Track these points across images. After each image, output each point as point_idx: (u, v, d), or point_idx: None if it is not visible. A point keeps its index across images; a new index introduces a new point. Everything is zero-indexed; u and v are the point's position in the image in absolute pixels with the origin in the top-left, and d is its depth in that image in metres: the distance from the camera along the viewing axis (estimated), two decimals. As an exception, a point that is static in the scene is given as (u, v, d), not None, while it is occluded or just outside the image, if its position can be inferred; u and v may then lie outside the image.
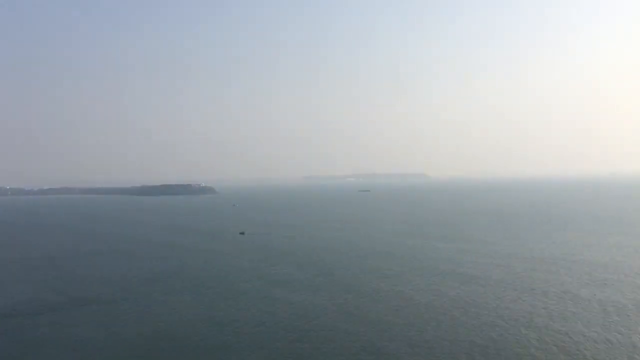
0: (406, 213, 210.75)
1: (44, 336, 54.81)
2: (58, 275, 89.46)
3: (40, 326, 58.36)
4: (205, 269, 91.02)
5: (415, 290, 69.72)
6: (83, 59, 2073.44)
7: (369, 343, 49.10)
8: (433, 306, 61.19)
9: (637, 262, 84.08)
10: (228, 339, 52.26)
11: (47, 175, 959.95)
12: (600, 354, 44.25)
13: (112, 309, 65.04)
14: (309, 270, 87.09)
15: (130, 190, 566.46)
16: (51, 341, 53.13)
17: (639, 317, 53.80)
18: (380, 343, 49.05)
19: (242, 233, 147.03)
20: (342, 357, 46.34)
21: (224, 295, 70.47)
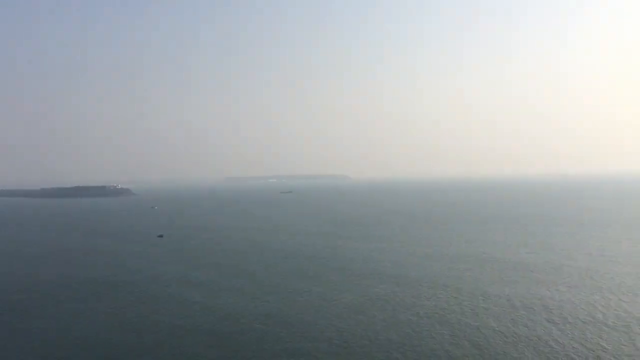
0: (327, 214, 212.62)
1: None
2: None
3: None
4: (121, 274, 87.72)
5: (335, 290, 70.56)
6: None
7: (289, 344, 49.18)
8: (352, 305, 62.19)
9: (542, 259, 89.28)
10: (146, 344, 50.63)
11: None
12: (509, 347, 46.69)
13: (16, 319, 61.25)
14: (229, 272, 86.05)
15: (39, 193, 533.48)
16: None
17: (543, 311, 57.20)
18: (300, 344, 49.24)
19: (161, 236, 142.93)
20: (262, 359, 46.16)
21: (141, 300, 68.22)
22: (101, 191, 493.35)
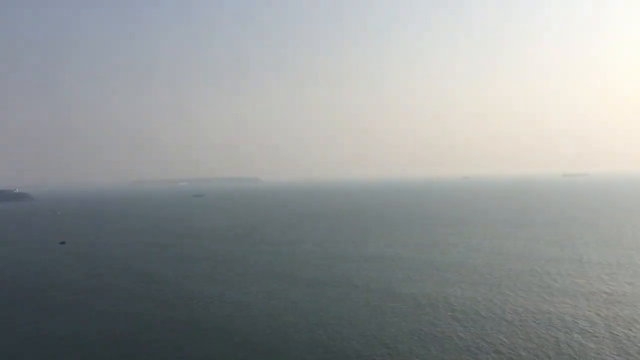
0: (239, 218, 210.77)
1: None
2: None
3: None
4: (20, 283, 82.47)
5: (246, 294, 70.11)
6: None
7: (201, 353, 48.36)
8: (264, 310, 62.06)
9: (449, 259, 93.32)
10: (48, 357, 47.98)
11: None
12: (415, 344, 48.46)
13: None
14: (138, 279, 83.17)
15: None
16: None
17: (447, 309, 59.87)
18: (212, 352, 48.54)
19: (63, 242, 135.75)
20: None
21: (45, 310, 64.53)
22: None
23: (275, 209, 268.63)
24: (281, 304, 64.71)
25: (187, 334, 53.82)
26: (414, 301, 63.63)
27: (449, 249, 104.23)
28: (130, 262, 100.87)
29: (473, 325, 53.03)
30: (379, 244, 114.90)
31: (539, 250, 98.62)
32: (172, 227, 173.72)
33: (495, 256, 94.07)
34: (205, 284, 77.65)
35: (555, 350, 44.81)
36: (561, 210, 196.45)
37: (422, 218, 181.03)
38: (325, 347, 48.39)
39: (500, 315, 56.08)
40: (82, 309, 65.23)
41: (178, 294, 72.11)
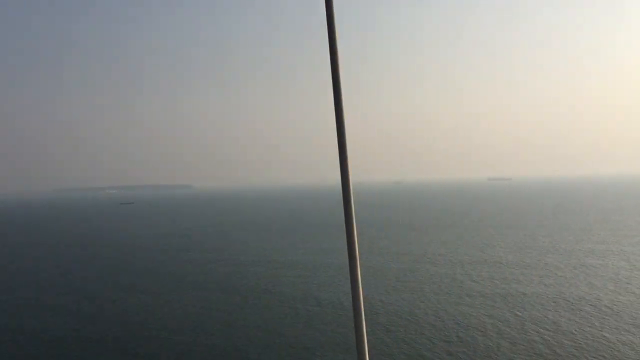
0: (169, 226, 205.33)
1: None
2: None
3: None
4: None
5: (171, 302, 67.22)
6: None
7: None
8: (189, 315, 59.52)
9: (373, 264, 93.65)
10: None
11: None
12: (337, 351, 47.47)
13: None
14: (67, 295, 78.07)
15: None
16: None
17: (370, 314, 59.43)
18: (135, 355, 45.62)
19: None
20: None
21: None
22: None
23: (209, 216, 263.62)
24: (204, 310, 62.27)
25: (116, 349, 50.46)
26: (337, 307, 62.91)
27: (375, 254, 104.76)
28: (50, 275, 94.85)
29: (396, 329, 52.71)
30: (301, 250, 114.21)
31: (462, 254, 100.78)
32: (96, 237, 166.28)
33: (419, 260, 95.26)
34: (135, 296, 73.88)
35: (472, 351, 44.98)
36: (483, 213, 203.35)
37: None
38: (240, 353, 46.53)
39: (423, 318, 56.16)
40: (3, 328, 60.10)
41: (105, 307, 68.08)
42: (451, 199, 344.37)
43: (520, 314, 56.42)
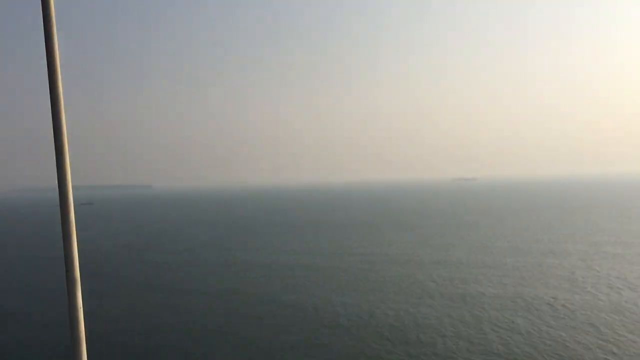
0: (128, 226, 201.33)
1: None
2: None
3: None
4: None
5: (125, 303, 65.49)
6: None
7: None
8: (143, 315, 58.01)
9: (338, 265, 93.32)
10: None
11: None
12: (297, 353, 46.85)
13: None
14: (23, 297, 75.26)
15: None
16: None
17: (331, 316, 59.04)
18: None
19: None
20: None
21: None
22: None
23: (168, 216, 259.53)
24: (161, 311, 60.80)
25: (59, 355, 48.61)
26: (299, 309, 62.27)
27: (338, 254, 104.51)
28: (5, 278, 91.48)
29: (356, 331, 52.35)
30: (265, 251, 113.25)
31: (424, 254, 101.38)
32: (51, 239, 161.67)
33: (381, 260, 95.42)
34: (97, 300, 71.53)
35: (432, 352, 44.97)
36: (445, 213, 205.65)
37: (312, 223, 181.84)
38: (198, 355, 45.52)
39: (383, 320, 55.97)
40: None
41: (58, 310, 65.78)
42: (415, 200, 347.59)
43: (479, 314, 56.82)
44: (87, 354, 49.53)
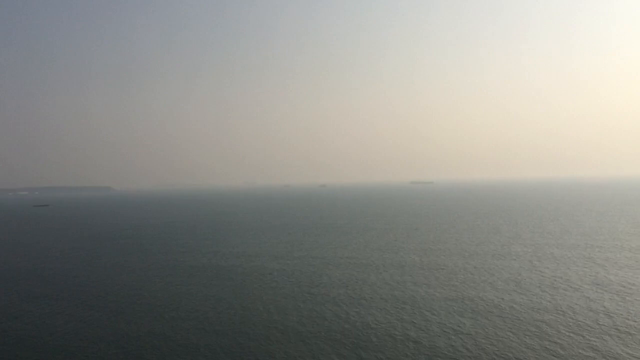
0: (81, 229, 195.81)
1: None
2: None
3: None
4: None
5: (69, 308, 63.38)
6: None
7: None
8: (85, 320, 56.20)
9: (282, 267, 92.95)
10: None
11: None
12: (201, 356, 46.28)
13: None
14: None
15: None
16: None
17: (263, 321, 58.63)
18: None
19: None
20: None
21: None
22: None
23: (124, 219, 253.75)
24: (94, 314, 59.09)
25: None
26: (248, 310, 61.65)
27: (290, 258, 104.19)
28: None
29: (306, 337, 52.12)
30: (212, 253, 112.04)
31: (374, 257, 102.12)
32: (5, 242, 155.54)
33: (331, 263, 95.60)
34: (34, 303, 69.02)
35: (381, 355, 45.13)
36: (398, 216, 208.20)
37: (263, 226, 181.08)
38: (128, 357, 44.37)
39: (334, 325, 55.91)
40: None
41: (8, 313, 63.04)
42: (371, 202, 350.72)
43: (429, 316, 57.42)
44: (10, 355, 47.60)
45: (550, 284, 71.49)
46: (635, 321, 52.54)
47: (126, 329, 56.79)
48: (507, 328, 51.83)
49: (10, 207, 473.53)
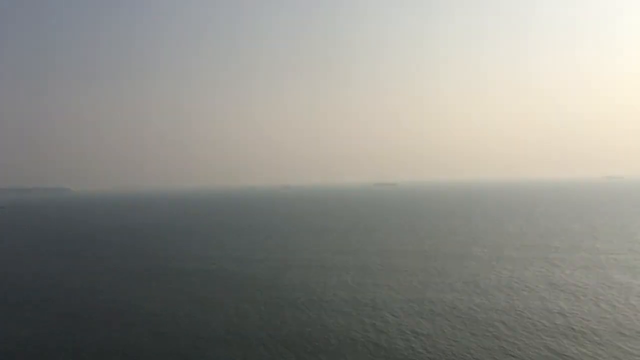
0: (35, 231, 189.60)
1: None
2: None
3: None
4: None
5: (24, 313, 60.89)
6: None
7: None
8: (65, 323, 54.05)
9: (244, 270, 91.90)
10: None
11: None
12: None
13: None
14: None
15: None
16: None
17: (215, 326, 57.68)
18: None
19: None
20: None
21: None
22: None
23: (84, 221, 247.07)
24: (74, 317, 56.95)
25: None
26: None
27: (238, 262, 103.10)
28: None
29: (252, 338, 51.36)
30: (170, 257, 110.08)
31: (334, 259, 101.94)
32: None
33: (290, 266, 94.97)
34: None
35: (324, 358, 44.80)
36: (355, 218, 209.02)
37: (233, 228, 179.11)
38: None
39: (293, 327, 55.25)
40: None
41: None
42: (334, 204, 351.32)
43: (389, 318, 57.33)
44: None
45: (507, 285, 72.55)
46: (589, 320, 53.69)
47: (81, 335, 54.85)
48: (466, 329, 52.20)
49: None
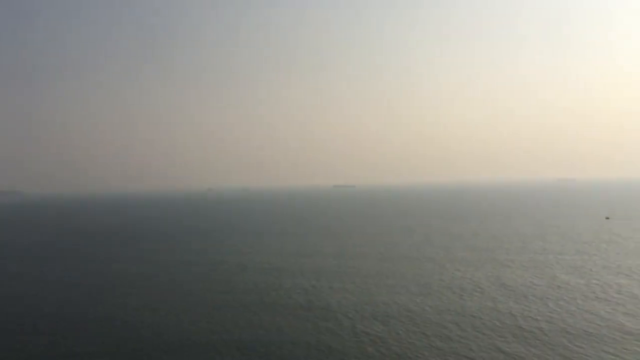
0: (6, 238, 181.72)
1: None
2: None
3: None
4: None
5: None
6: None
7: None
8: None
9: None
10: None
11: None
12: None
13: None
14: None
15: None
16: None
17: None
18: None
19: None
20: None
21: None
22: None
23: (36, 224, 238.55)
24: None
25: None
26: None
27: (190, 264, 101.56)
28: None
29: (199, 341, 50.37)
30: (121, 260, 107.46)
31: (282, 262, 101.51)
32: None
33: (238, 269, 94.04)
34: None
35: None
36: (315, 219, 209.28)
37: (186, 230, 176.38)
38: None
39: (231, 334, 54.37)
40: None
41: None
42: (291, 206, 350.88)
43: (341, 321, 57.13)
44: None
45: (459, 286, 73.53)
46: (538, 320, 54.83)
47: (24, 341, 52.55)
48: (419, 331, 52.48)
49: None
